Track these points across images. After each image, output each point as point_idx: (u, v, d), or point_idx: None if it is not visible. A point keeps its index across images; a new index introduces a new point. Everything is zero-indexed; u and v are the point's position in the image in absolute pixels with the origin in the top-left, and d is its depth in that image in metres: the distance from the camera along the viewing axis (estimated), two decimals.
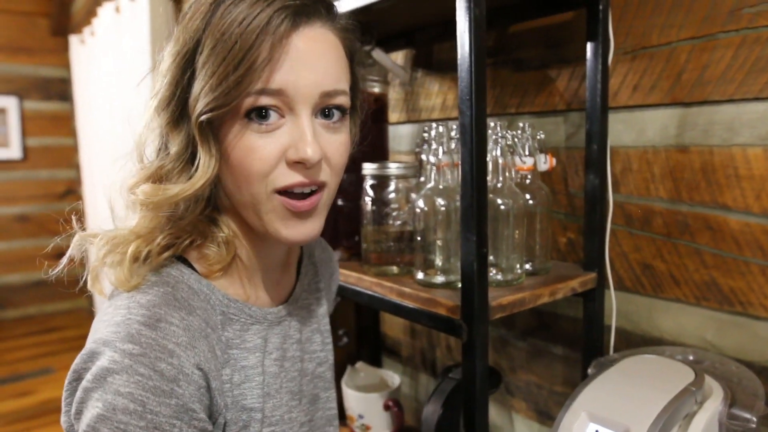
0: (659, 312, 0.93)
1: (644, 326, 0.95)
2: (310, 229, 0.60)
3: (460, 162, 0.74)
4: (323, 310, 0.78)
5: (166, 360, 0.50)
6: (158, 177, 0.57)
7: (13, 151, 3.59)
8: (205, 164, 0.55)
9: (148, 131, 0.59)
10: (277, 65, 0.54)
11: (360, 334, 1.52)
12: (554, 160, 0.93)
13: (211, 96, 0.53)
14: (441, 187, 0.86)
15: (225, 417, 0.57)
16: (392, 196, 0.93)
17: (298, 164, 0.56)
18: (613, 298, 0.95)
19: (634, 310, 0.96)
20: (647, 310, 0.95)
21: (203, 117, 0.54)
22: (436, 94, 1.28)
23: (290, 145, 0.56)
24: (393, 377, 1.33)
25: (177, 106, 0.56)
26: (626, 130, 0.95)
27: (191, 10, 0.56)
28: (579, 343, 1.01)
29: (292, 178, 0.56)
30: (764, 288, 0.82)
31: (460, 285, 0.77)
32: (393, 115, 1.36)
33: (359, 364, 1.38)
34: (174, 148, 0.57)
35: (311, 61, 0.56)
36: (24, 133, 3.63)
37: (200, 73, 0.54)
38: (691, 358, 0.84)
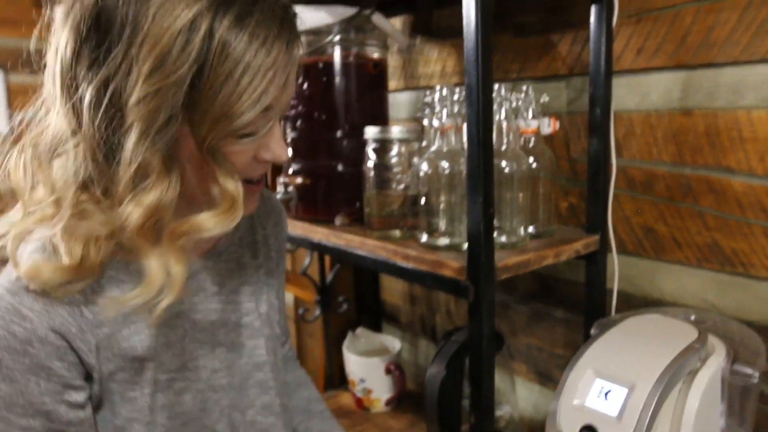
0: (661, 274, 0.94)
1: (646, 289, 0.96)
2: (258, 201, 0.67)
3: (464, 124, 0.74)
4: (259, 261, 0.78)
5: (18, 323, 0.56)
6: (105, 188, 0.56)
7: (0, 126, 3.54)
8: (175, 176, 0.55)
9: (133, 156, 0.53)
10: (284, 87, 0.57)
11: (359, 301, 1.53)
12: (557, 124, 0.92)
13: (227, 128, 0.54)
14: (445, 150, 0.85)
15: (107, 368, 0.61)
16: (395, 160, 0.92)
17: (268, 162, 0.62)
18: (615, 260, 0.96)
19: (636, 273, 0.97)
20: (649, 273, 0.96)
21: (213, 144, 0.55)
22: (435, 61, 1.27)
23: (262, 146, 0.60)
24: (393, 342, 1.34)
25: (170, 133, 0.54)
26: (629, 94, 0.94)
27: (165, 26, 0.50)
28: (580, 307, 1.02)
29: (259, 171, 0.63)
30: (766, 249, 0.82)
31: (464, 248, 0.77)
32: (391, 83, 1.35)
33: (359, 330, 1.39)
34: (150, 166, 0.54)
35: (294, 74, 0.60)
36: (10, 108, 3.57)
37: (208, 102, 0.52)
38: (693, 318, 0.85)
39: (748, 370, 0.73)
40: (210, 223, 0.57)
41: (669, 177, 0.91)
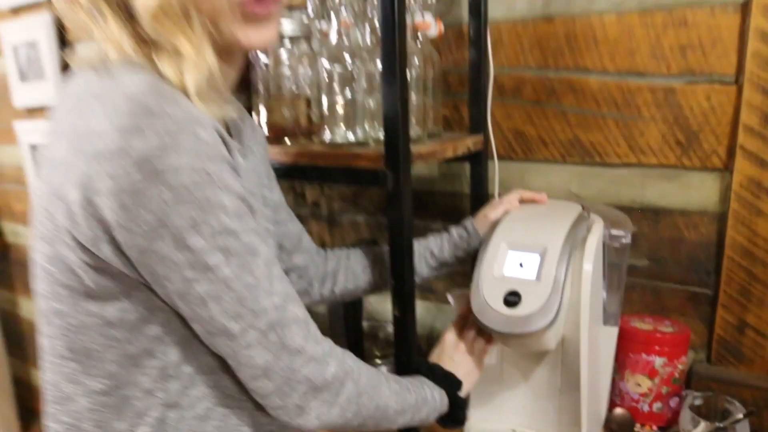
0: (530, 174, 1.03)
1: (517, 187, 1.04)
2: (268, 34, 0.57)
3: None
4: None
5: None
6: None
7: None
8: None
9: None
10: None
11: None
12: (442, 26, 0.95)
13: None
14: (346, 44, 0.82)
15: None
16: (286, 60, 0.87)
17: None
18: (495, 164, 1.02)
19: (508, 175, 1.05)
20: (519, 173, 1.04)
21: None
22: None
23: None
24: None
25: None
26: (497, 4, 1.00)
27: None
28: (456, 216, 1.07)
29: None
30: (618, 139, 0.95)
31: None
32: None
33: None
34: None
35: None
36: None
37: None
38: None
39: (621, 233, 0.84)
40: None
41: (535, 81, 1.00)
